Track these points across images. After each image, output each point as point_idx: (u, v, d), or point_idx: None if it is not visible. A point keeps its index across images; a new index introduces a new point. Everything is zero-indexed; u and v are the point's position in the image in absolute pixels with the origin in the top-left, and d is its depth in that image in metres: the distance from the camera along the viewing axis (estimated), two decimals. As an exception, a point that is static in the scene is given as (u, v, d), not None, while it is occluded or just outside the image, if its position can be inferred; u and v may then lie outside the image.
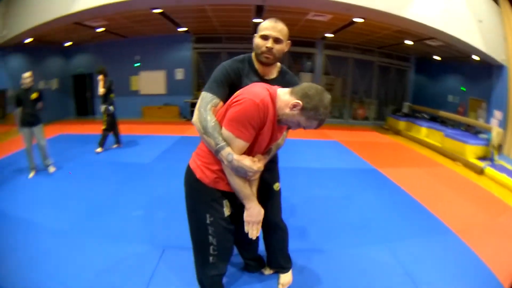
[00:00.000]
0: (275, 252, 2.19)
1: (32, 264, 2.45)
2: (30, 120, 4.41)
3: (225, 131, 1.48)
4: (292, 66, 10.86)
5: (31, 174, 4.53)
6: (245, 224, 1.64)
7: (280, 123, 1.56)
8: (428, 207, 3.67)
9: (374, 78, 11.22)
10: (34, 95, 4.40)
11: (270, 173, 1.99)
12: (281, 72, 1.85)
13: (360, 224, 3.25)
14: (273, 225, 2.09)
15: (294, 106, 1.44)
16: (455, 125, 8.23)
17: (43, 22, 6.60)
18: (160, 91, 10.78)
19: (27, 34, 7.39)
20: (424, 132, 8.21)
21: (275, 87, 1.58)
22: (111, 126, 5.94)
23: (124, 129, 7.61)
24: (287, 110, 1.47)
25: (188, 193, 1.74)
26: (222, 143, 1.47)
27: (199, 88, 10.70)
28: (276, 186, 2.06)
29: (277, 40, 1.65)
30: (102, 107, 5.77)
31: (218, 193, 1.66)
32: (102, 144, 5.89)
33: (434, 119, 9.08)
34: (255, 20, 7.75)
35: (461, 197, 4.29)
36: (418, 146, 7.71)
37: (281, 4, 6.25)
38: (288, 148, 6.30)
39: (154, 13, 7.16)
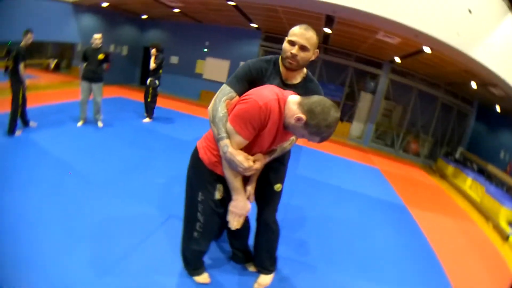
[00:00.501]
0: (261, 251, 2.22)
1: (47, 196, 2.80)
2: (91, 77, 4.86)
3: (228, 125, 1.58)
4: (354, 83, 10.63)
5: (80, 123, 5.02)
6: (229, 213, 1.74)
7: (287, 129, 1.61)
8: (441, 260, 3.42)
9: (435, 115, 10.55)
10: (101, 56, 4.84)
11: (274, 173, 2.02)
12: (305, 79, 1.84)
13: (364, 256, 3.10)
14: (264, 225, 2.12)
15: (298, 119, 1.48)
16: (499, 183, 7.47)
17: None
18: (222, 79, 11.07)
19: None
20: (468, 183, 7.57)
21: (288, 92, 1.62)
22: (154, 98, 6.24)
23: (179, 107, 8.23)
24: (292, 121, 1.52)
25: (189, 168, 1.88)
26: (223, 134, 1.58)
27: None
28: (278, 187, 2.06)
29: (303, 48, 1.66)
30: (149, 80, 6.08)
31: (214, 176, 1.77)
32: (151, 115, 6.30)
33: (481, 171, 8.36)
34: (324, 30, 7.72)
35: (478, 261, 3.92)
36: (459, 196, 7.12)
37: (350, 17, 6.16)
38: (325, 162, 6.40)
39: (228, 4, 7.44)
